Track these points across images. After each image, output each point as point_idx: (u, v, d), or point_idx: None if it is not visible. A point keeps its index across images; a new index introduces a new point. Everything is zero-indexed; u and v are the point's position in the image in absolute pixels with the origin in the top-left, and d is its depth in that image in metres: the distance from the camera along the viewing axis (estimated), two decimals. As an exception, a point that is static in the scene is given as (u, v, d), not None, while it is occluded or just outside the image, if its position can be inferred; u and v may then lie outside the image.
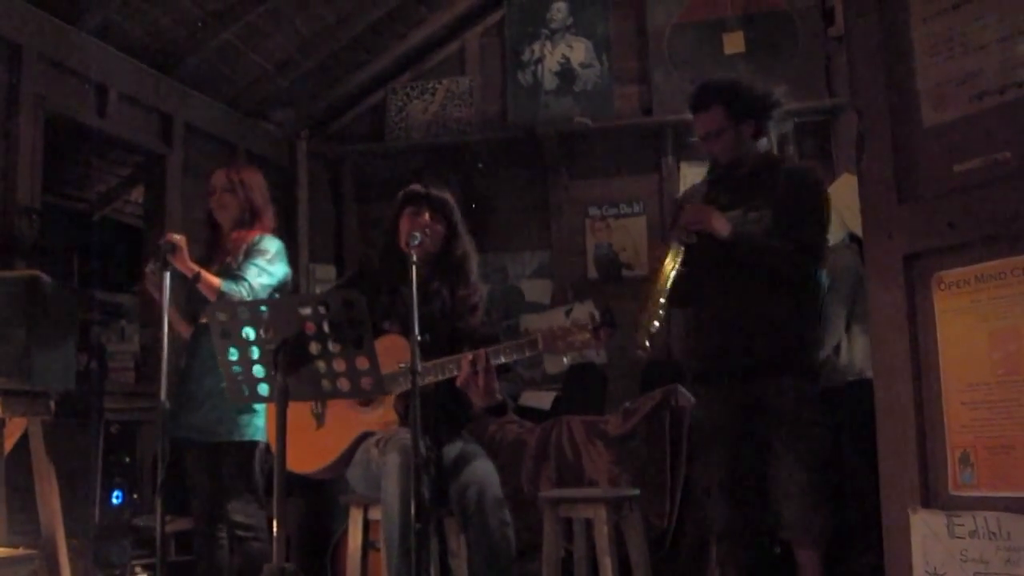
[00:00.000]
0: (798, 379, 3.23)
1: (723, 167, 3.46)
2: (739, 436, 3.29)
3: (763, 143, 3.48)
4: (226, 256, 3.72)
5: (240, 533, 3.59)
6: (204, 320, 3.38)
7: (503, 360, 2.95)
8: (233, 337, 2.46)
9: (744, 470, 3.28)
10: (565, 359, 2.96)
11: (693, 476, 4.17)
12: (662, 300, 3.15)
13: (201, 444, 3.62)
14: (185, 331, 3.77)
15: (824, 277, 3.47)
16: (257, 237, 3.75)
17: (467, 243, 3.39)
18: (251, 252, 3.69)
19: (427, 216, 3.27)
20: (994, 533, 1.75)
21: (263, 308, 2.45)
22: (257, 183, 3.87)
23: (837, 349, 4.01)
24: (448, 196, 3.37)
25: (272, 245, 3.75)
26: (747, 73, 5.81)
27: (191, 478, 3.71)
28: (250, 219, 3.79)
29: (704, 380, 3.45)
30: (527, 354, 2.95)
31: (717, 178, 3.49)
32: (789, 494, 3.15)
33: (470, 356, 2.93)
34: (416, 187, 3.36)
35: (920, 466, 1.87)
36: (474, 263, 3.41)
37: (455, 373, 2.96)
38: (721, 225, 3.22)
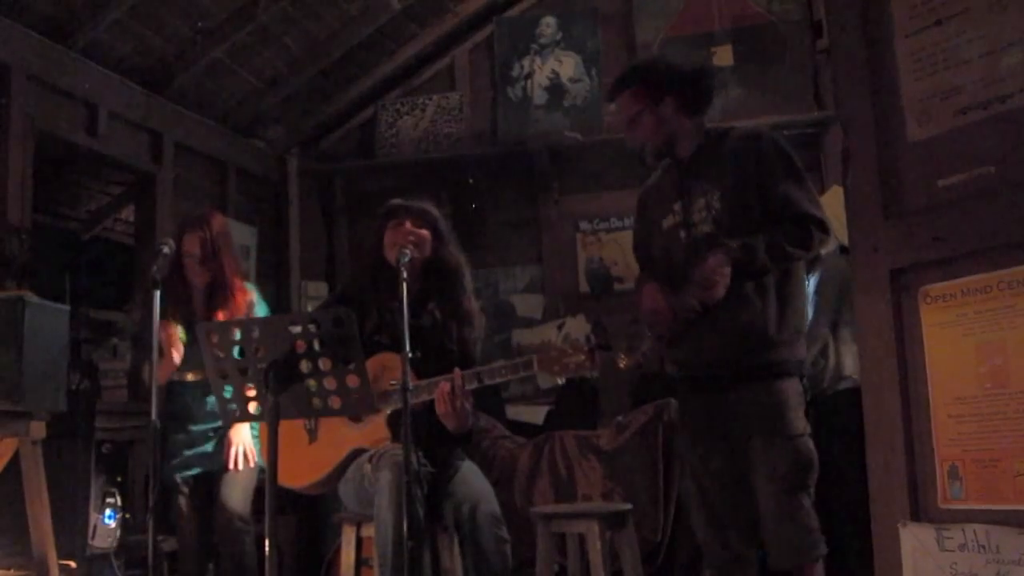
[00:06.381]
0: (771, 383, 2.87)
1: (667, 156, 3.14)
2: (714, 450, 2.98)
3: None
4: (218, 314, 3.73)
5: (240, 526, 3.67)
6: None
7: (498, 380, 2.95)
8: (224, 357, 2.46)
9: (718, 488, 2.98)
10: (559, 380, 2.95)
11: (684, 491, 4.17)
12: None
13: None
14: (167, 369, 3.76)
15: (803, 272, 3.09)
16: (254, 298, 3.87)
17: (456, 251, 3.36)
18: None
19: (409, 224, 3.24)
20: (983, 546, 1.76)
21: (254, 327, 2.46)
22: (228, 238, 3.90)
23: (824, 352, 4.01)
24: (429, 205, 3.33)
25: (262, 306, 3.90)
26: (735, 86, 5.88)
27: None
28: (225, 284, 3.78)
29: (686, 387, 3.13)
30: (521, 374, 2.96)
31: (667, 169, 3.20)
32: (766, 516, 2.83)
33: (448, 387, 2.94)
34: (395, 200, 3.35)
35: (909, 480, 1.87)
36: (465, 270, 3.37)
37: None
38: (723, 279, 2.83)
